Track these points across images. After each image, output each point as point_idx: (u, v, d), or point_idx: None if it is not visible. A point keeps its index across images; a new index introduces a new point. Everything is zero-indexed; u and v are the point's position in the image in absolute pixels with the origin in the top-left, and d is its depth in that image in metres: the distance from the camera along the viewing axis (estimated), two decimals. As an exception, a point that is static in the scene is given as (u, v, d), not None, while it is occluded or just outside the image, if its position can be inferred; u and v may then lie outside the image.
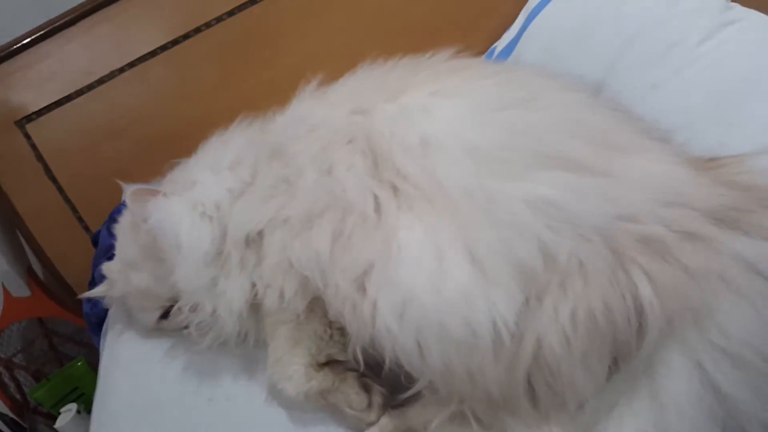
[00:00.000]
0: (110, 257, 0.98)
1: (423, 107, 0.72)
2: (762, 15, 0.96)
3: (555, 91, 0.77)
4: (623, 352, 0.59)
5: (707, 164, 0.68)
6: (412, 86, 0.76)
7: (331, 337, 0.76)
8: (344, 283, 0.66)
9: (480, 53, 1.40)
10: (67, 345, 1.73)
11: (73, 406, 1.47)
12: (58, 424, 1.44)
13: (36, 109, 1.38)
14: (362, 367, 0.72)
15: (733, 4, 1.02)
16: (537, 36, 1.24)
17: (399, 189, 0.67)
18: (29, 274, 1.58)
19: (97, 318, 1.16)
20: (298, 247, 0.72)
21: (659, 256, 0.58)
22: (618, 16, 1.09)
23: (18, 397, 1.58)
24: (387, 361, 0.65)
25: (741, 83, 0.87)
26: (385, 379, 0.74)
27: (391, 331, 0.62)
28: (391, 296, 0.63)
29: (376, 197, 0.67)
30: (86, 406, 1.51)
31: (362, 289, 0.65)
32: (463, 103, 0.72)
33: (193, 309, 0.82)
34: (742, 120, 0.83)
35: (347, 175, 0.70)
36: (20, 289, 1.54)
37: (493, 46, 1.41)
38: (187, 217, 0.82)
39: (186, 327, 0.85)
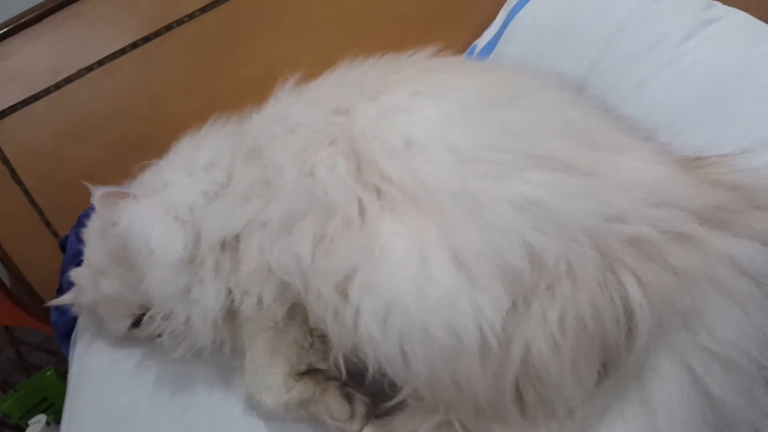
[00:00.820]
0: (79, 263, 0.95)
1: (404, 107, 0.70)
2: (743, 13, 0.97)
3: (538, 89, 0.75)
4: (613, 357, 0.58)
5: (693, 163, 0.68)
6: (392, 85, 0.75)
7: (311, 345, 0.74)
8: (326, 289, 0.64)
9: (459, 51, 1.39)
10: (35, 354, 1.69)
11: (42, 417, 1.42)
12: (26, 437, 1.39)
13: (0, 109, 1.33)
14: (344, 376, 0.70)
15: (714, 2, 1.02)
16: (518, 34, 1.23)
17: (383, 191, 0.64)
18: (-6, 281, 1.52)
19: (65, 326, 1.12)
20: (278, 251, 0.69)
21: (648, 258, 0.57)
22: (599, 14, 1.09)
23: (-17, 409, 1.53)
24: (370, 369, 0.63)
25: (725, 81, 0.88)
26: (368, 388, 0.72)
27: (374, 338, 0.61)
28: (374, 301, 0.61)
29: (359, 200, 0.65)
30: (56, 417, 1.47)
31: (344, 294, 0.63)
32: (445, 103, 0.70)
33: (166, 317, 0.79)
34: (727, 118, 0.84)
35: (330, 177, 0.68)
36: (-15, 297, 1.49)
37: (473, 44, 1.40)
38: (158, 221, 0.79)
39: (159, 336, 0.82)
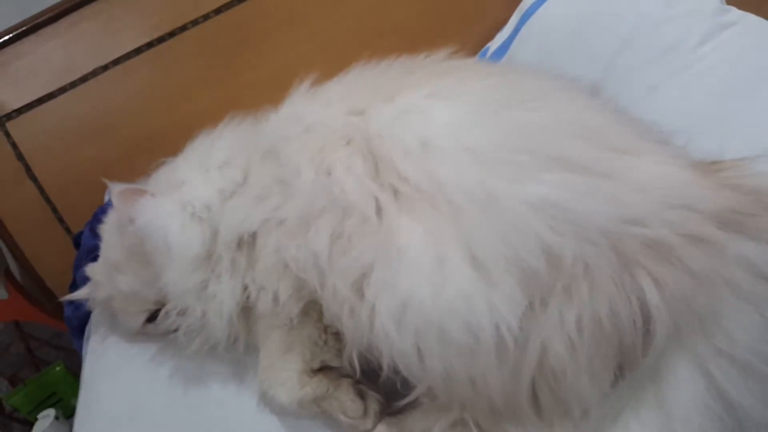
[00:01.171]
0: (94, 258, 0.95)
1: (420, 109, 0.71)
2: (758, 18, 0.97)
3: (553, 92, 0.75)
4: (629, 358, 0.58)
5: (709, 167, 0.68)
6: (407, 87, 0.75)
7: (325, 342, 0.75)
8: (342, 286, 0.65)
9: (472, 53, 1.40)
10: (44, 349, 1.69)
11: (51, 412, 1.43)
12: (35, 431, 1.40)
13: (17, 107, 1.34)
14: (358, 373, 0.70)
15: (729, 7, 1.02)
16: (531, 37, 1.23)
17: (400, 192, 0.65)
18: (7, 276, 1.53)
19: (78, 321, 1.12)
20: (295, 248, 0.70)
21: (665, 260, 0.57)
22: (613, 17, 1.09)
23: (-7, 403, 1.54)
24: (384, 367, 0.63)
25: (740, 86, 0.88)
26: (381, 386, 0.72)
27: (390, 335, 0.61)
28: (390, 299, 0.61)
29: (377, 199, 0.65)
30: (64, 412, 1.47)
31: (360, 292, 0.64)
32: (460, 105, 0.70)
33: (182, 313, 0.80)
34: (742, 123, 0.83)
35: (347, 177, 0.68)
36: (-3, 291, 1.50)
37: (485, 47, 1.40)
38: (176, 218, 0.79)
39: (174, 331, 0.82)
